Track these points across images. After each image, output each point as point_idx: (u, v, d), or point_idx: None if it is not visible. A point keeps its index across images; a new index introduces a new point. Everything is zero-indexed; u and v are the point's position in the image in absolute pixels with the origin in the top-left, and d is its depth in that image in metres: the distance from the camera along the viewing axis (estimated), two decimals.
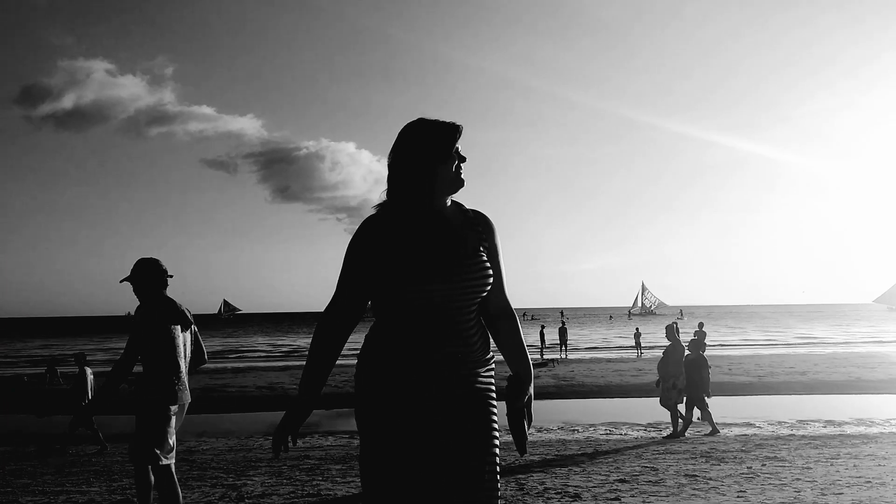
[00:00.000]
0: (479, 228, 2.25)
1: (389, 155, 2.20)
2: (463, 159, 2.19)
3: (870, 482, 5.74)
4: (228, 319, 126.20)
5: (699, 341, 10.92)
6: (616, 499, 5.32)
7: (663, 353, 10.83)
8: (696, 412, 10.65)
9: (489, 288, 2.19)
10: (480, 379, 2.16)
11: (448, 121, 2.19)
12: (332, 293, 2.18)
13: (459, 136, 2.17)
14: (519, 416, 2.21)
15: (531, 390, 2.25)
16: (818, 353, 29.29)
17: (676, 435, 10.27)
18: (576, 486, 5.84)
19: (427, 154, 2.13)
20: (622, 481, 6.06)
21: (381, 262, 2.10)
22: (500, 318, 2.29)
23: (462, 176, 2.20)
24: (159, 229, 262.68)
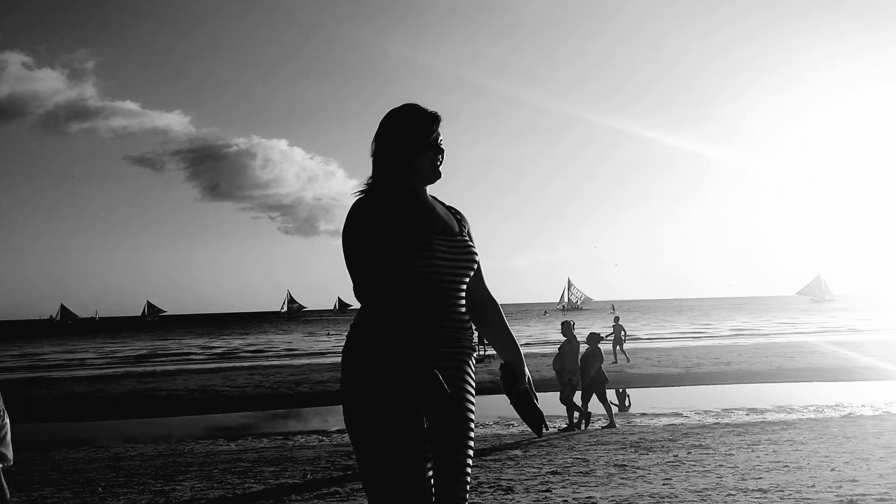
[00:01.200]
0: (458, 217, 2.31)
1: (373, 140, 2.22)
2: (441, 151, 2.21)
3: (787, 466, 6.00)
4: (153, 322, 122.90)
5: (596, 335, 11.30)
6: (547, 490, 5.42)
7: (559, 349, 11.12)
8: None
9: (476, 269, 2.24)
10: (470, 366, 2.20)
11: (431, 110, 2.21)
12: (358, 277, 2.06)
13: (438, 125, 2.20)
14: (527, 399, 2.24)
15: (528, 372, 2.28)
16: (742, 343, 30.43)
17: (572, 427, 10.57)
18: (509, 480, 5.92)
19: (407, 140, 2.15)
20: (554, 473, 6.17)
21: (382, 239, 2.07)
22: (486, 306, 2.33)
23: (440, 168, 2.21)
24: (81, 229, 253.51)
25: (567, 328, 11.11)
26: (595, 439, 8.79)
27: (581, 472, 6.15)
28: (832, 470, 5.73)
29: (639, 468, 6.25)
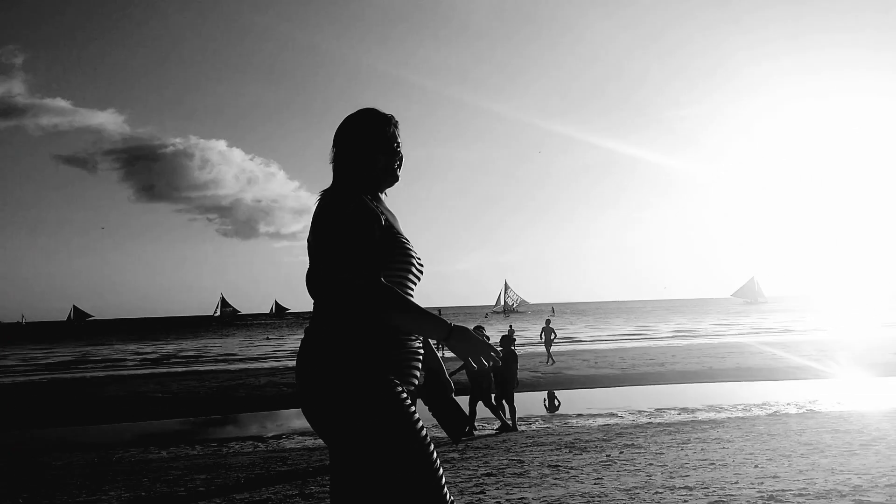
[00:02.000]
0: None
1: (337, 143, 2.17)
2: (400, 155, 2.21)
3: (714, 464, 6.18)
4: (82, 327, 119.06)
5: (509, 337, 11.57)
6: (481, 492, 5.45)
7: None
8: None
9: None
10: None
11: (388, 114, 2.21)
12: (353, 268, 1.92)
13: (397, 129, 2.20)
14: (453, 405, 2.27)
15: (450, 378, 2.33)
16: (676, 345, 31.21)
17: (506, 428, 10.83)
18: None
19: (370, 145, 2.13)
20: (489, 475, 6.21)
21: (388, 238, 2.05)
22: None
23: (399, 172, 2.21)
24: (7, 230, 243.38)
25: (478, 332, 11.31)
26: (531, 440, 8.89)
27: (515, 474, 6.20)
28: (755, 467, 5.92)
29: (572, 468, 6.34)
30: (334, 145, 2.18)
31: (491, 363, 1.95)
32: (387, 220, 2.08)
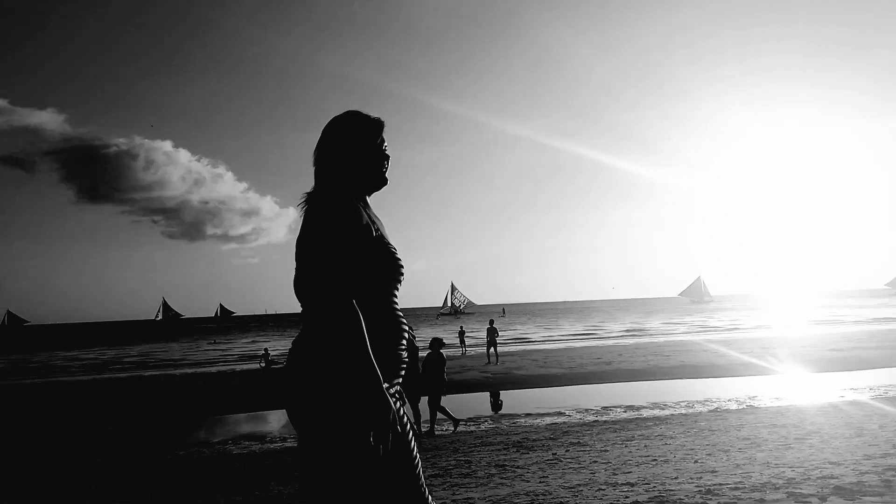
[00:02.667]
0: None
1: (320, 146, 2.15)
2: (387, 157, 2.19)
3: (656, 460, 6.31)
4: (15, 332, 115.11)
5: (439, 340, 11.65)
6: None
7: (425, 357, 11.41)
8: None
9: None
10: None
11: (374, 116, 2.19)
12: (328, 279, 1.90)
13: (383, 131, 2.19)
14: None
15: None
16: (623, 344, 31.74)
17: (456, 424, 11.04)
18: None
19: (357, 147, 2.12)
20: (436, 476, 6.22)
21: (375, 243, 2.02)
22: None
23: (386, 174, 2.20)
24: None
25: (436, 343, 11.42)
26: (480, 440, 8.94)
27: (462, 474, 6.23)
28: (695, 462, 6.07)
29: (518, 467, 6.40)
30: (319, 147, 2.16)
31: (380, 447, 1.90)
32: (376, 227, 2.07)
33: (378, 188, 2.19)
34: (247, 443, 11.29)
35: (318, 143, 2.17)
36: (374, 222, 2.08)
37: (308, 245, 1.95)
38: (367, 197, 2.19)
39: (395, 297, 2.10)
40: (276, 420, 13.71)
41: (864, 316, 50.32)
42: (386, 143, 2.20)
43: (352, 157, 2.12)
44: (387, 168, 2.20)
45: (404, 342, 2.11)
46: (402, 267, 2.10)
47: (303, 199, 2.09)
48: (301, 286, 1.98)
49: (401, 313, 2.12)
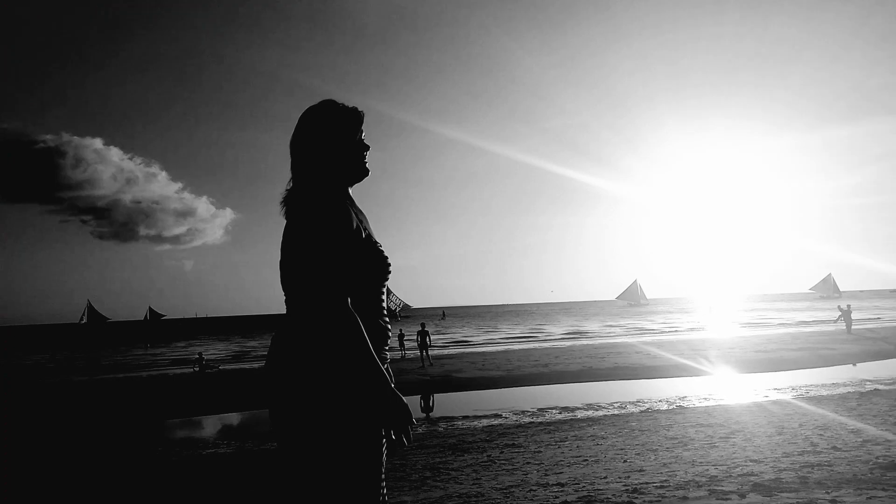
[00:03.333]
0: None
1: (299, 138, 2.08)
2: (367, 147, 2.15)
3: (587, 460, 6.44)
4: None
5: None
6: None
7: None
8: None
9: None
10: None
11: (352, 106, 2.15)
12: (324, 281, 1.86)
13: (362, 122, 2.14)
14: None
15: None
16: (560, 346, 32.21)
17: None
18: None
19: (338, 138, 2.07)
20: None
21: (364, 242, 1.99)
22: None
23: (367, 164, 2.15)
24: None
25: None
26: (416, 443, 8.94)
27: (396, 477, 6.23)
28: (624, 461, 6.22)
29: (452, 469, 6.44)
30: (298, 139, 2.08)
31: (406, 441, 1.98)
32: (364, 225, 2.05)
33: (360, 179, 2.15)
34: (194, 449, 11.03)
35: (294, 136, 2.10)
36: (360, 220, 2.06)
37: (299, 246, 1.89)
38: (350, 189, 2.14)
39: (383, 295, 2.09)
40: (212, 425, 13.43)
41: (790, 319, 52.38)
42: (364, 133, 2.16)
43: (333, 149, 2.07)
44: (366, 158, 2.16)
45: (389, 343, 2.11)
46: (389, 265, 2.08)
47: (284, 195, 2.03)
48: (293, 287, 1.92)
49: (386, 313, 2.10)
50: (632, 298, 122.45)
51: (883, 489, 4.49)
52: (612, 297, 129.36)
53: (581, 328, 53.18)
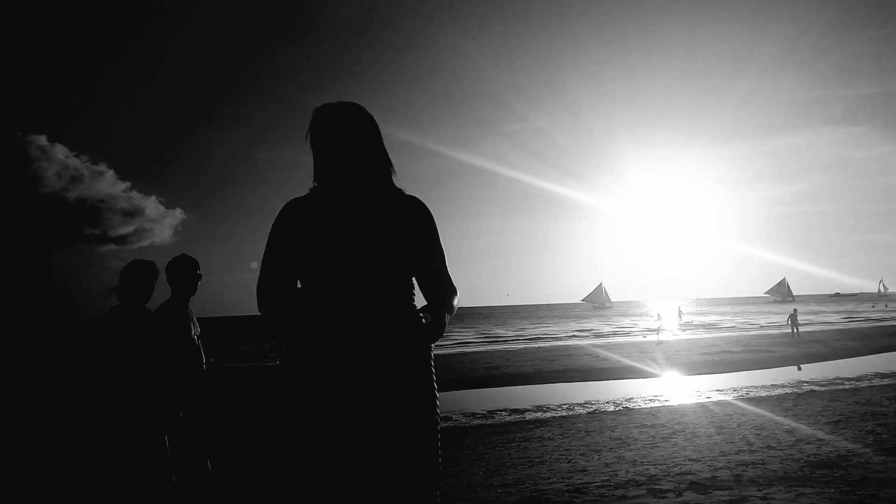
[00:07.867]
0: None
1: (364, 132, 2.17)
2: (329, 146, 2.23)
3: (532, 462, 6.53)
4: None
5: None
6: None
7: None
8: None
9: None
10: None
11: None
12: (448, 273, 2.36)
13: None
14: None
15: None
16: (511, 349, 32.51)
17: None
18: None
19: (331, 136, 2.13)
20: None
21: (310, 238, 2.09)
22: None
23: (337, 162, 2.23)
24: None
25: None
26: None
27: None
28: (568, 462, 6.33)
29: None
30: (360, 133, 2.15)
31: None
32: (320, 221, 2.11)
33: (342, 174, 2.24)
34: None
35: (355, 129, 2.14)
36: (321, 214, 2.19)
37: (428, 240, 2.26)
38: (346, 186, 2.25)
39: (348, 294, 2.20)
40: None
41: (738, 322, 53.81)
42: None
43: (383, 148, 2.23)
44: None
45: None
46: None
47: (367, 182, 2.16)
48: (440, 283, 2.29)
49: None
50: (597, 301, 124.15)
51: (811, 486, 4.67)
52: (573, 300, 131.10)
53: (533, 331, 53.68)
